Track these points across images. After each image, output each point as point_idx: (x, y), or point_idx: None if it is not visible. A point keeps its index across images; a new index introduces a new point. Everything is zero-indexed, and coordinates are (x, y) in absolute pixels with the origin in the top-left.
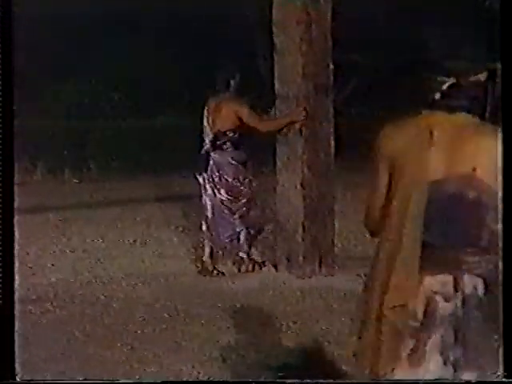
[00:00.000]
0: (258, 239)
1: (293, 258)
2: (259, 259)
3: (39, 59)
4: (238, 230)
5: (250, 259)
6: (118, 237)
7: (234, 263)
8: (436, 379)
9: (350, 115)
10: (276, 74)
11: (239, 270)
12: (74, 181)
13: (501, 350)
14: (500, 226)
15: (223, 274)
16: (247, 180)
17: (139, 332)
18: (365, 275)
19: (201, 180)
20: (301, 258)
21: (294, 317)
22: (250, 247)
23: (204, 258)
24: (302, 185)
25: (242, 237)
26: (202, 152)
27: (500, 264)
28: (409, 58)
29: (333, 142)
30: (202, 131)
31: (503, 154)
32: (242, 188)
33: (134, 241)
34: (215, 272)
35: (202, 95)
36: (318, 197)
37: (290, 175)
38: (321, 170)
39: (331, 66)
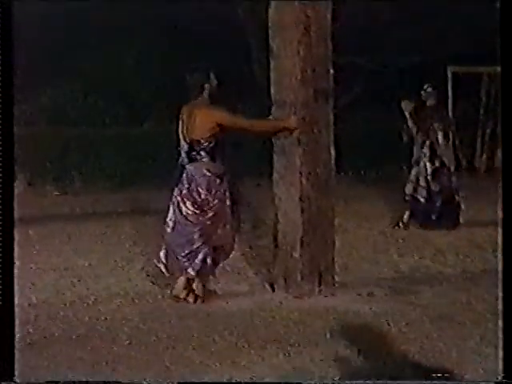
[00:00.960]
0: (225, 264)
1: (290, 276)
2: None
3: (17, 65)
4: (195, 246)
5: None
6: (103, 254)
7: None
8: (437, 379)
9: (351, 123)
10: (272, 80)
11: (195, 300)
12: (56, 193)
13: (501, 351)
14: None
15: (215, 292)
16: (219, 193)
17: (125, 356)
18: (367, 295)
19: (175, 194)
20: (299, 277)
21: (292, 340)
22: (209, 270)
23: (176, 287)
24: (300, 198)
25: (200, 255)
26: (178, 165)
27: (500, 264)
28: (414, 60)
29: (333, 152)
30: (178, 143)
31: (503, 153)
32: (210, 200)
33: (120, 258)
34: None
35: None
36: (317, 210)
37: (287, 187)
38: (320, 181)
39: (331, 71)
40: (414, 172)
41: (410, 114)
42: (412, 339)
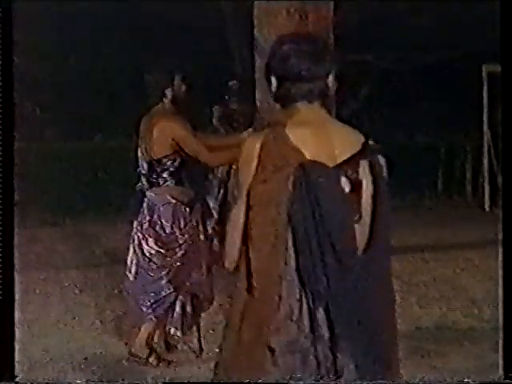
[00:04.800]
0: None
1: None
2: (196, 345)
3: None
4: (164, 293)
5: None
6: (41, 306)
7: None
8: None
9: None
10: (258, 82)
11: (158, 362)
12: None
13: (501, 351)
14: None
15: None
16: (189, 226)
17: None
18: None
19: (134, 230)
20: None
21: None
22: (188, 324)
23: (136, 343)
24: None
25: (177, 307)
26: (137, 191)
27: (500, 264)
28: (437, 57)
29: None
30: (137, 163)
31: (503, 153)
32: (178, 235)
33: (63, 311)
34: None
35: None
36: None
37: None
38: None
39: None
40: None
41: (220, 119)
42: None
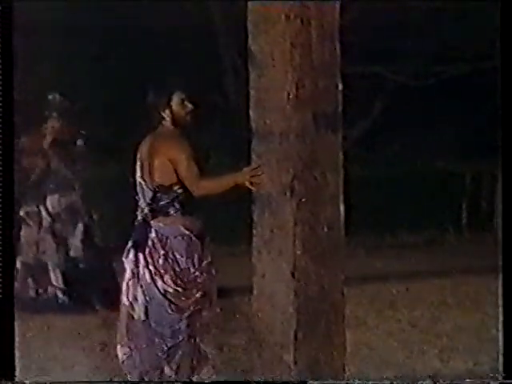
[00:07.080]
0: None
1: None
2: None
3: None
4: (180, 338)
5: None
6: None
7: None
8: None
9: (370, 162)
10: (253, 98)
11: None
12: None
13: (501, 351)
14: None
15: None
16: (205, 262)
17: None
18: None
19: (129, 264)
20: None
21: None
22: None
23: None
24: (293, 273)
25: (188, 358)
26: (139, 220)
27: (500, 262)
28: (461, 70)
29: (342, 207)
30: (135, 190)
31: (503, 154)
32: (196, 273)
33: (41, 365)
34: None
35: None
36: (318, 293)
37: (273, 258)
38: (324, 249)
39: (340, 86)
40: None
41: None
42: None
